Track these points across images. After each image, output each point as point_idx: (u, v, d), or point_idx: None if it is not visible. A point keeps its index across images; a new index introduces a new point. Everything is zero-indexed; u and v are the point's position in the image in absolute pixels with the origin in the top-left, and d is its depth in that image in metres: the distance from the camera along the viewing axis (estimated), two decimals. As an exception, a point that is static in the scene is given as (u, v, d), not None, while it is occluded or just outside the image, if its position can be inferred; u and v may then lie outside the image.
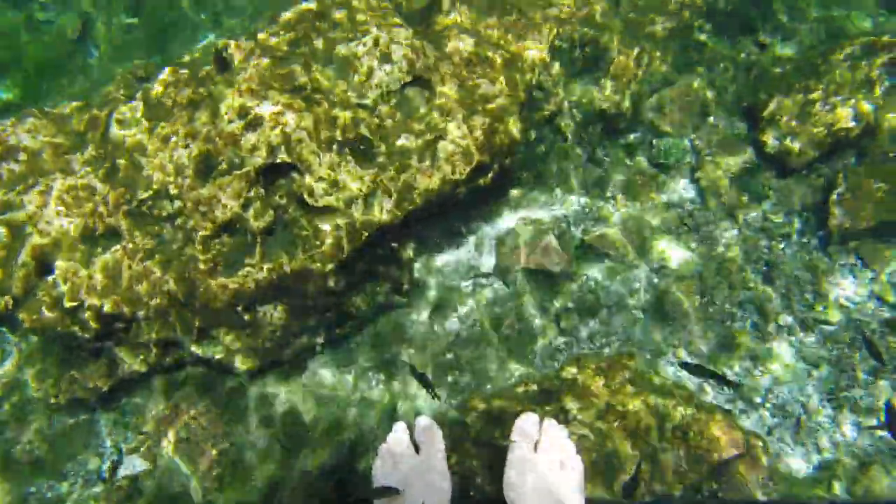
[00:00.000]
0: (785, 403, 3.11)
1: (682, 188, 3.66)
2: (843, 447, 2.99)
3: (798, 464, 2.95)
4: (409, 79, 3.12)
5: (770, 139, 3.59)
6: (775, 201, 3.58)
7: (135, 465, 3.06)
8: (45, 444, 3.12)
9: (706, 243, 3.50)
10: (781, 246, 3.48)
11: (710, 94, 3.82)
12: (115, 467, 3.08)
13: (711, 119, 3.81)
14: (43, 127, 3.36)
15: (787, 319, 3.31)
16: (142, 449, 3.07)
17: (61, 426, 3.16)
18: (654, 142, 3.75)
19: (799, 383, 3.16)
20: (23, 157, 3.25)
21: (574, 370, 2.73)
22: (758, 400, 3.12)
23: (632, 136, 3.79)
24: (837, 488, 2.79)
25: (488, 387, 3.10)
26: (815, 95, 3.55)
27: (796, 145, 3.51)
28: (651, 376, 2.81)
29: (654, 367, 3.18)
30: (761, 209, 3.55)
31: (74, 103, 3.56)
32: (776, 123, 3.59)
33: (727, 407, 3.07)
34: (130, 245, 3.01)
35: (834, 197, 3.37)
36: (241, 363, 3.02)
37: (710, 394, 3.12)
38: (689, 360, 3.20)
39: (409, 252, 3.27)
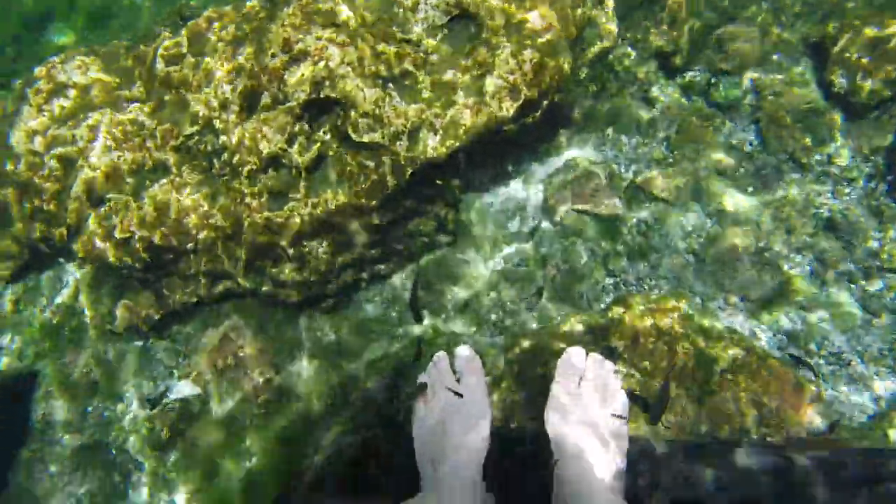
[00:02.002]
0: (841, 352, 2.99)
1: (741, 129, 3.49)
2: (900, 398, 2.87)
3: (852, 411, 2.84)
4: (455, 12, 3.03)
5: (838, 78, 3.37)
6: (841, 144, 3.38)
7: (185, 390, 3.16)
8: (100, 368, 3.25)
9: (764, 187, 3.35)
10: (846, 191, 3.30)
11: (775, 30, 3.61)
12: (166, 392, 3.20)
13: (775, 56, 3.60)
14: (92, 64, 3.40)
15: (848, 266, 3.16)
16: (192, 375, 3.17)
17: (115, 352, 3.28)
18: (713, 81, 3.58)
19: (857, 332, 3.03)
20: (73, 93, 3.30)
21: (621, 310, 2.66)
22: (812, 347, 3.00)
23: (689, 75, 3.62)
24: (893, 436, 2.68)
25: (532, 326, 3.07)
26: (890, 30, 3.31)
27: (867, 84, 3.30)
28: (701, 319, 2.72)
29: (705, 310, 3.09)
30: (826, 152, 3.37)
31: (123, 42, 3.59)
32: (846, 61, 3.37)
33: (779, 353, 2.97)
34: (178, 179, 3.05)
35: (907, 139, 3.17)
36: (286, 296, 3.06)
37: (763, 339, 3.02)
38: (742, 304, 3.10)
39: (455, 190, 3.23)
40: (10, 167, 3.21)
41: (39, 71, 3.35)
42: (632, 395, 2.45)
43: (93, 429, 3.23)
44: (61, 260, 3.55)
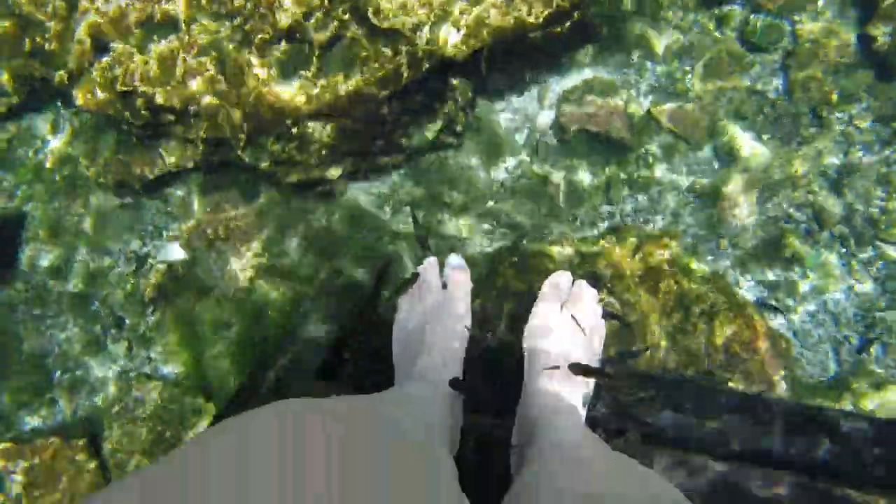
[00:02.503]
0: (817, 311, 3.06)
1: (769, 74, 3.38)
2: (863, 364, 2.96)
3: (816, 371, 2.95)
4: None
5: (881, 34, 3.24)
6: (867, 105, 3.30)
7: (173, 253, 3.19)
8: (91, 218, 3.26)
9: (781, 138, 3.29)
10: (860, 154, 3.25)
11: (827, -28, 3.43)
12: (154, 252, 3.23)
13: (821, 2, 3.44)
14: None
15: (843, 230, 3.17)
16: (181, 239, 3.19)
17: (107, 205, 3.28)
18: (751, 18, 3.43)
19: (837, 295, 3.08)
20: (86, -75, 3.11)
21: (613, 238, 2.68)
22: (791, 303, 3.06)
23: (727, 8, 3.46)
24: (847, 402, 2.79)
25: (524, 241, 3.09)
26: (945, -8, 3.16)
27: (908, 46, 3.18)
28: (689, 260, 2.75)
29: (695, 252, 3.12)
30: (850, 111, 3.29)
31: None
32: (893, 16, 3.23)
33: (758, 304, 3.03)
34: (187, 38, 2.94)
35: (931, 110, 3.10)
36: (284, 175, 3.03)
37: (745, 287, 3.07)
38: (732, 251, 3.13)
39: (469, 92, 3.14)
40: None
41: None
42: (613, 324, 2.51)
43: (77, 279, 3.28)
44: (59, 104, 3.46)
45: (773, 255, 3.13)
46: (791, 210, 3.20)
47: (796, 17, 3.43)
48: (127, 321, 3.21)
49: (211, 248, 3.15)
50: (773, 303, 3.07)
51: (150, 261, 3.24)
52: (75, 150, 3.34)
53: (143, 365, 3.17)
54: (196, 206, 3.22)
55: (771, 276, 3.11)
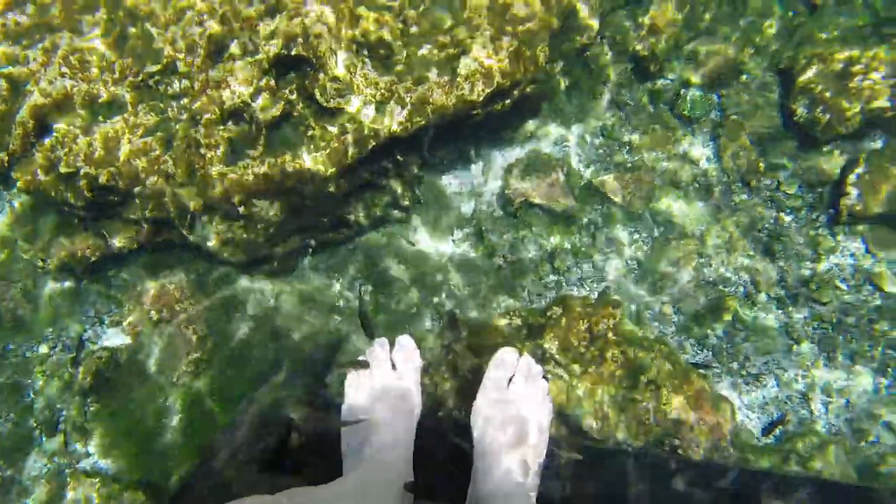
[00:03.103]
0: (760, 373, 3.15)
1: (700, 144, 3.57)
2: (807, 425, 3.05)
3: (760, 433, 3.01)
4: (441, -14, 2.98)
5: (800, 107, 3.46)
6: (792, 172, 3.49)
7: (114, 338, 3.11)
8: (28, 305, 3.16)
9: (713, 204, 3.45)
10: (788, 218, 3.42)
11: (748, 51, 3.66)
12: (94, 338, 3.13)
13: (744, 77, 3.67)
14: (54, -20, 3.21)
15: (778, 292, 3.30)
16: (123, 323, 3.11)
17: (46, 290, 3.19)
18: (682, 92, 3.63)
19: (778, 356, 3.18)
20: (31, 9, 3.12)
21: (559, 310, 2.73)
22: (734, 366, 3.15)
23: (660, 83, 3.66)
24: (794, 463, 2.86)
25: (473, 314, 3.12)
26: (855, 69, 3.40)
27: (826, 117, 3.40)
28: (634, 328, 2.81)
29: (640, 319, 3.20)
30: (776, 178, 3.47)
31: (90, -40, 3.39)
32: (810, 91, 3.46)
33: (702, 369, 3.10)
34: (133, 118, 2.94)
35: (852, 177, 3.30)
36: (230, 254, 3.01)
37: (689, 352, 3.15)
38: (675, 317, 3.22)
39: (415, 167, 3.21)
40: (-49, 80, 3.04)
41: (-6, -20, 3.15)
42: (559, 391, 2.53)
43: (12, 368, 3.14)
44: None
45: (714, 319, 3.23)
46: (728, 274, 3.33)
47: (723, 91, 3.65)
48: (63, 412, 3.08)
49: (155, 332, 3.08)
50: (717, 367, 3.15)
51: (90, 347, 3.14)
52: (14, 233, 3.26)
53: (79, 460, 3.02)
54: (140, 288, 3.16)
55: (714, 339, 3.21)
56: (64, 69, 2.98)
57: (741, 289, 3.30)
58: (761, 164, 3.49)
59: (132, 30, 3.04)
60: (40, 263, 3.10)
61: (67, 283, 3.22)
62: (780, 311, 3.26)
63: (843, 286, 3.27)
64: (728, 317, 3.21)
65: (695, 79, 3.62)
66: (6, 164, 2.95)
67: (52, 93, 2.95)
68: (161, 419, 2.94)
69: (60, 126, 2.93)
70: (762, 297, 3.28)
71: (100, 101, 2.98)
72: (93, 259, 3.08)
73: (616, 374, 2.58)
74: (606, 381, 2.55)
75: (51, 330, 3.17)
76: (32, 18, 3.12)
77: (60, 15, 3.16)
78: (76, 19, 3.16)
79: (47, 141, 2.92)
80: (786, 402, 3.09)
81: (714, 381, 3.08)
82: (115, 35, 3.08)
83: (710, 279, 3.29)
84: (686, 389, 2.63)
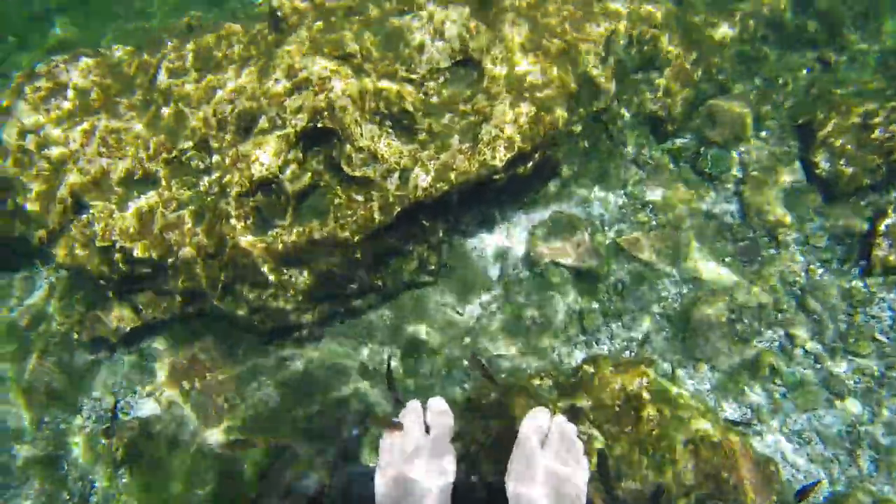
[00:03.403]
0: (802, 430, 3.04)
1: (724, 200, 3.57)
2: (856, 481, 2.91)
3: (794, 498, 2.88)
4: (460, 57, 3.08)
5: (822, 160, 3.48)
6: (819, 225, 3.47)
7: (146, 408, 3.11)
8: (63, 377, 3.20)
9: (742, 259, 3.42)
10: (820, 271, 3.38)
11: (765, 108, 3.72)
12: (127, 408, 3.14)
13: (764, 133, 3.71)
14: (94, 67, 3.40)
15: (816, 346, 3.22)
16: (156, 393, 3.12)
17: (80, 362, 3.23)
18: (702, 150, 3.67)
19: (820, 412, 3.08)
20: (72, 94, 3.30)
21: (591, 369, 2.69)
22: (775, 423, 3.05)
23: (679, 142, 3.71)
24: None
25: (503, 375, 3.08)
26: (875, 121, 3.43)
27: (849, 170, 3.40)
28: (669, 386, 2.75)
29: (673, 377, 3.13)
30: (804, 231, 3.45)
31: (127, 47, 3.59)
32: (830, 145, 3.48)
33: (742, 426, 3.01)
34: (166, 193, 3.05)
35: (882, 227, 3.27)
36: (260, 322, 3.04)
37: (727, 411, 3.06)
38: (710, 374, 3.15)
39: (440, 232, 3.25)
40: (-3, 161, 3.19)
41: (41, 68, 3.33)
42: (600, 459, 2.47)
43: (47, 440, 3.16)
44: (37, 262, 3.50)
45: (750, 375, 3.15)
46: (762, 329, 3.26)
47: (743, 148, 3.68)
48: (97, 484, 3.06)
49: (187, 401, 3.08)
50: (758, 424, 3.06)
51: (122, 417, 3.14)
52: (51, 307, 3.34)
53: (112, 533, 2.98)
54: (172, 357, 3.19)
55: (752, 396, 3.12)
56: (101, 149, 3.11)
57: (776, 343, 3.23)
58: (787, 219, 3.48)
59: (166, 109, 3.19)
60: (75, 336, 3.15)
61: (102, 354, 3.27)
62: (819, 366, 3.17)
63: (883, 338, 3.18)
64: (765, 372, 3.13)
65: (713, 136, 3.66)
66: (45, 240, 3.04)
67: (90, 171, 3.07)
68: (194, 489, 2.90)
69: (97, 203, 3.04)
70: (799, 351, 3.20)
71: (135, 177, 3.09)
72: (126, 330, 3.13)
73: (653, 434, 2.51)
74: (644, 440, 2.48)
75: (85, 401, 3.19)
76: (73, 103, 3.29)
77: (99, 98, 3.33)
78: (114, 102, 3.32)
79: (84, 217, 3.02)
80: (832, 461, 2.97)
81: (755, 440, 2.98)
82: (150, 115, 3.23)
83: (744, 335, 3.23)
84: (727, 448, 2.54)
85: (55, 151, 3.12)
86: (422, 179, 2.92)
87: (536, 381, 2.73)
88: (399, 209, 2.89)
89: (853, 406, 3.08)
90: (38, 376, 3.21)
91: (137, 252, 2.93)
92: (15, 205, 3.17)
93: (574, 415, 2.50)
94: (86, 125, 3.17)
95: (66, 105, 3.25)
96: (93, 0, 4.80)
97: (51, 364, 3.23)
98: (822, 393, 3.12)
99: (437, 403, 2.20)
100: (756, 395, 3.12)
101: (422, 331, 3.22)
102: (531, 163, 3.12)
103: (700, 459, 2.50)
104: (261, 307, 3.00)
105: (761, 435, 3.03)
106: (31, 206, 3.10)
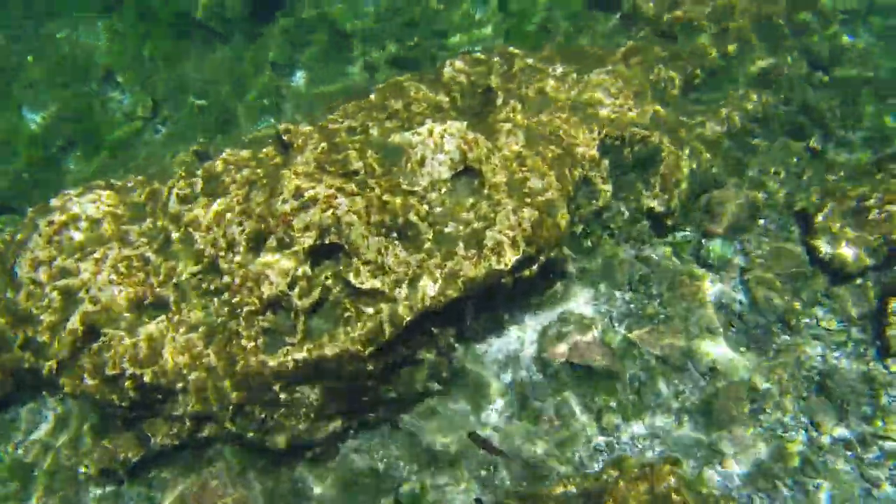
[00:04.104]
0: (843, 526, 2.90)
1: (731, 290, 3.58)
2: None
3: None
4: (460, 168, 3.18)
5: (823, 245, 3.52)
6: (829, 308, 3.47)
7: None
8: (70, 515, 3.09)
9: (756, 347, 3.39)
10: (836, 355, 3.34)
11: (760, 197, 3.80)
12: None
13: (762, 222, 3.77)
14: (107, 198, 3.50)
15: (843, 433, 3.13)
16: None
17: (88, 497, 3.12)
18: (703, 242, 3.72)
19: (858, 502, 2.95)
20: (84, 225, 3.38)
21: (615, 473, 2.60)
22: (813, 519, 2.92)
23: (679, 235, 3.77)
24: None
25: (524, 484, 2.98)
26: (869, 203, 3.50)
27: (850, 252, 3.44)
28: (698, 485, 2.66)
29: (700, 475, 3.02)
30: (815, 315, 3.44)
31: (139, 177, 3.72)
32: (829, 229, 3.53)
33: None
34: (176, 317, 3.06)
35: (892, 307, 3.25)
36: (273, 443, 2.97)
37: (762, 510, 2.94)
38: (738, 469, 3.04)
39: (450, 339, 3.24)
40: (10, 295, 3.22)
41: (55, 202, 3.43)
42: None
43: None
44: (44, 393, 3.46)
45: (780, 467, 3.04)
46: (785, 419, 3.18)
47: (744, 237, 3.73)
48: None
49: (199, 533, 2.97)
50: (794, 521, 2.92)
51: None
52: (57, 440, 3.27)
53: None
54: (182, 486, 3.08)
55: (785, 491, 3.00)
56: (112, 276, 3.15)
57: (802, 432, 3.14)
58: (796, 304, 3.47)
59: (175, 235, 3.26)
60: (83, 469, 3.07)
61: (109, 488, 3.16)
62: (850, 453, 3.07)
63: (911, 420, 3.10)
64: (794, 463, 3.02)
65: (713, 228, 3.72)
66: (54, 371, 3.02)
67: (101, 299, 3.10)
68: None
69: (107, 330, 3.04)
70: (826, 439, 3.11)
71: (145, 302, 3.11)
72: (135, 460, 3.05)
73: (687, 540, 2.40)
74: (678, 547, 2.37)
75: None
76: (85, 234, 3.36)
77: (110, 228, 3.41)
78: (124, 231, 3.40)
79: (94, 345, 3.02)
80: (878, 558, 2.81)
81: (794, 539, 2.84)
82: (160, 242, 3.29)
83: (768, 425, 3.15)
84: (766, 551, 2.42)
85: (66, 282, 3.16)
86: (430, 288, 2.94)
87: (560, 489, 2.64)
88: (409, 318, 2.89)
89: (891, 493, 2.96)
90: (44, 515, 3.11)
91: (147, 378, 2.90)
92: (26, 337, 3.17)
93: (603, 524, 2.40)
94: (97, 254, 3.23)
95: (79, 236, 3.33)
96: (100, 133, 4.99)
97: (54, 501, 3.12)
98: (858, 483, 3.00)
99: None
100: (788, 488, 3.00)
101: (436, 441, 3.13)
102: (536, 265, 3.16)
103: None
104: (272, 427, 2.94)
105: (800, 533, 2.89)
106: (42, 338, 3.10)
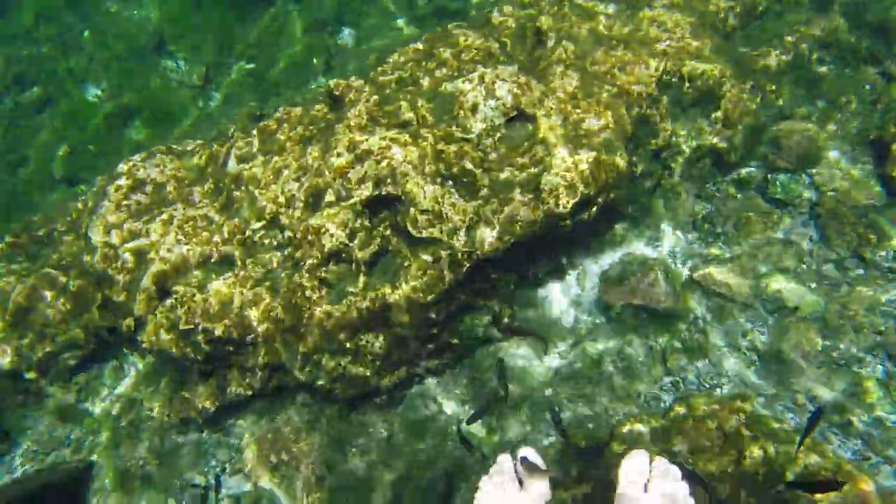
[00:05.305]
0: (924, 460, 2.80)
1: (800, 225, 3.45)
2: None
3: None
4: (513, 113, 3.13)
5: (900, 174, 3.33)
6: (907, 240, 3.30)
7: (236, 485, 3.14)
8: (155, 461, 3.27)
9: (828, 283, 3.27)
10: (915, 287, 3.19)
11: (831, 127, 3.62)
12: (218, 486, 3.17)
13: (833, 153, 3.59)
14: (168, 162, 3.61)
15: (923, 369, 3.01)
16: (244, 470, 3.15)
17: (171, 444, 3.30)
18: (770, 177, 3.57)
19: (940, 439, 2.85)
20: (150, 189, 3.50)
21: (683, 410, 2.58)
22: (891, 453, 2.83)
23: (744, 171, 3.62)
24: None
25: (590, 425, 2.98)
26: (951, 127, 3.29)
27: (930, 180, 3.25)
28: (769, 421, 2.61)
29: (772, 411, 2.96)
30: (891, 247, 3.28)
31: (197, 140, 3.81)
32: (907, 157, 3.34)
33: (856, 459, 2.80)
34: (243, 272, 3.15)
35: (977, 235, 3.08)
36: (341, 390, 3.06)
37: (835, 443, 2.86)
38: (811, 405, 2.96)
39: (511, 284, 3.24)
40: (87, 258, 3.38)
41: (121, 168, 3.56)
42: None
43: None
44: (125, 350, 3.64)
45: (855, 403, 2.95)
46: (861, 354, 3.07)
47: (814, 171, 3.56)
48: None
49: (274, 476, 3.09)
50: (873, 456, 2.84)
51: (213, 496, 3.18)
52: (140, 393, 3.45)
53: None
54: (257, 433, 3.22)
55: (861, 426, 2.91)
56: (180, 236, 3.26)
57: (879, 367, 3.03)
58: (871, 236, 3.32)
59: (237, 194, 3.34)
60: (164, 419, 3.24)
61: (190, 436, 3.34)
62: (930, 389, 2.95)
63: None
64: (871, 399, 2.93)
65: (780, 162, 3.57)
66: (132, 328, 3.17)
67: (170, 259, 3.22)
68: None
69: (178, 287, 3.16)
70: (905, 375, 2.99)
71: (212, 260, 3.22)
72: (212, 410, 3.20)
73: (759, 474, 2.36)
74: (749, 482, 2.34)
75: (177, 482, 3.24)
76: (151, 197, 3.48)
77: (174, 191, 3.52)
78: (188, 192, 3.50)
79: (168, 302, 3.14)
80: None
81: (872, 473, 2.76)
82: (222, 201, 3.38)
83: (842, 361, 3.05)
84: (843, 485, 2.36)
85: (138, 244, 3.29)
86: (488, 234, 2.93)
87: (627, 427, 2.64)
88: (468, 265, 2.90)
89: (977, 430, 2.84)
90: (132, 463, 3.29)
91: (219, 332, 3.02)
92: (104, 297, 3.34)
93: (672, 459, 2.38)
94: (164, 216, 3.34)
95: (145, 199, 3.45)
96: (158, 102, 5.11)
97: (142, 449, 3.31)
98: (940, 418, 2.89)
99: (528, 453, 2.15)
100: (865, 424, 2.91)
101: (500, 386, 3.16)
102: (595, 207, 3.10)
103: (817, 498, 2.33)
104: (340, 375, 3.02)
105: (877, 467, 2.80)
106: (119, 297, 3.25)
